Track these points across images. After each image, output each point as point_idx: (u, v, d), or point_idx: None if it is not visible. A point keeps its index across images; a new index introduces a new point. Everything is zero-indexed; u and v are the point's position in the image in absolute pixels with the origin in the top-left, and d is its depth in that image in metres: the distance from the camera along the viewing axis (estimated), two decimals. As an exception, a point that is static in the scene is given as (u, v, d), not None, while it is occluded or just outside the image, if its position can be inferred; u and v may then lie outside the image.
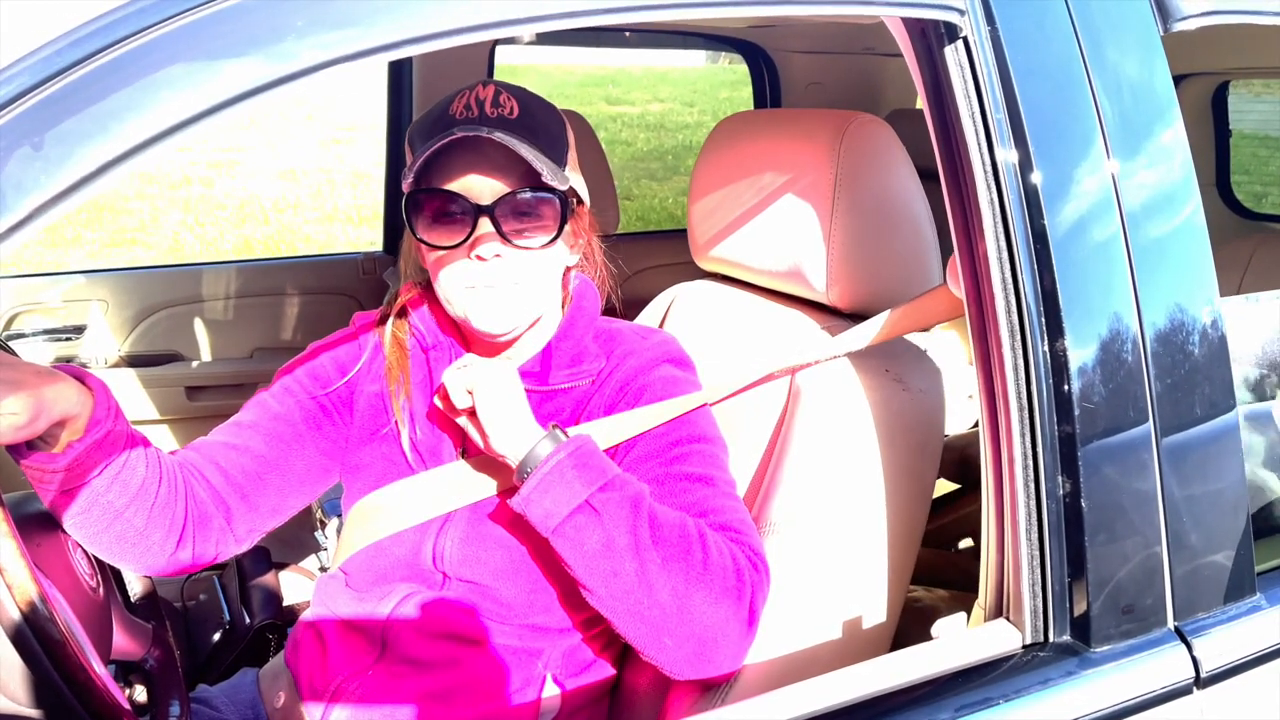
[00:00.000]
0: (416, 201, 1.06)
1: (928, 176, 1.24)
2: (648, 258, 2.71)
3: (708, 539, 0.99)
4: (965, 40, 0.88)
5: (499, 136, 1.01)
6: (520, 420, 1.03)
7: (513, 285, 1.07)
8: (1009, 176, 0.89)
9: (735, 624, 0.97)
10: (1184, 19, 0.98)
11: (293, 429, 1.15)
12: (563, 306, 1.20)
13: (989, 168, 0.90)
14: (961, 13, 0.87)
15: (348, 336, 1.23)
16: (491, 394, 1.02)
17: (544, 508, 0.98)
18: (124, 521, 1.00)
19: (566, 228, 1.09)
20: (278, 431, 1.15)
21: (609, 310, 1.24)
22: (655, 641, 0.97)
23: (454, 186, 1.05)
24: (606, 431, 1.09)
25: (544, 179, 1.03)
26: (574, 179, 1.11)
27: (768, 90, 3.08)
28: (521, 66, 10.58)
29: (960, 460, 2.18)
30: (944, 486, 2.31)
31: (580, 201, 1.15)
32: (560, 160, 1.08)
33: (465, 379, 1.03)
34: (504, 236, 1.05)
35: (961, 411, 2.51)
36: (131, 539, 1.02)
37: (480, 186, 1.04)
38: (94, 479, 0.95)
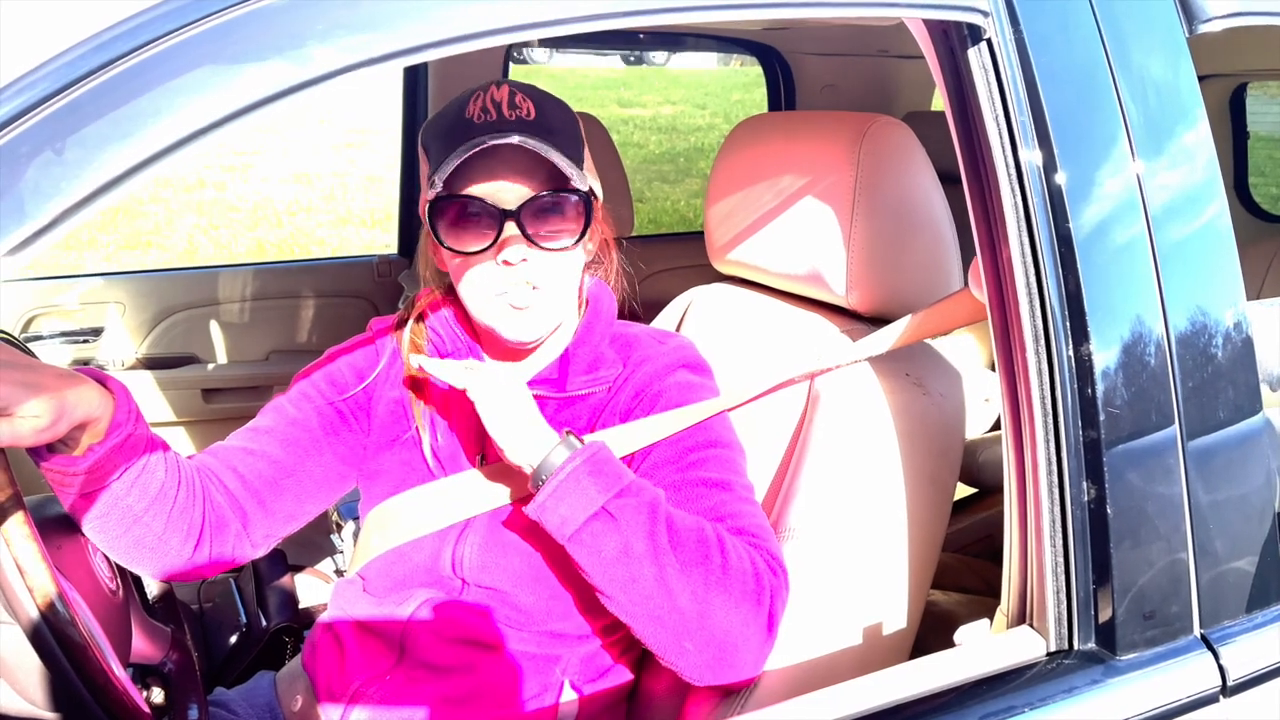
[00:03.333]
0: (440, 208, 1.05)
1: (943, 179, 1.23)
2: (660, 260, 2.70)
3: (726, 543, 0.98)
4: (989, 42, 0.88)
5: (528, 142, 1.00)
6: (530, 428, 1.02)
7: (537, 290, 1.07)
8: (1033, 179, 0.89)
9: (755, 628, 0.96)
10: (1209, 20, 0.97)
11: (310, 434, 1.15)
12: (579, 310, 1.19)
13: (1013, 170, 0.89)
14: (985, 14, 0.87)
15: (365, 341, 1.23)
16: (495, 403, 1.02)
17: (560, 515, 0.97)
18: (142, 525, 1.00)
19: (591, 227, 1.09)
20: (295, 437, 1.15)
21: (624, 314, 1.24)
22: (675, 646, 0.97)
23: (477, 191, 1.04)
24: (623, 439, 1.09)
25: (571, 182, 1.03)
26: (590, 178, 1.10)
27: (782, 93, 3.07)
28: (534, 69, 10.60)
29: (976, 464, 2.17)
30: (960, 490, 2.30)
31: (597, 200, 1.15)
32: (579, 160, 1.07)
33: (468, 381, 1.04)
34: (530, 240, 1.04)
35: (977, 415, 2.50)
36: (149, 543, 1.02)
37: (504, 191, 1.04)
38: (114, 482, 0.95)
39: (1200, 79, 0.97)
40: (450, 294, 1.15)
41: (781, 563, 1.02)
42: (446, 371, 1.05)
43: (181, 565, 1.06)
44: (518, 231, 1.03)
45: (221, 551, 1.09)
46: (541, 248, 1.05)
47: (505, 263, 1.04)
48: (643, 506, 0.97)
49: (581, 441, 1.01)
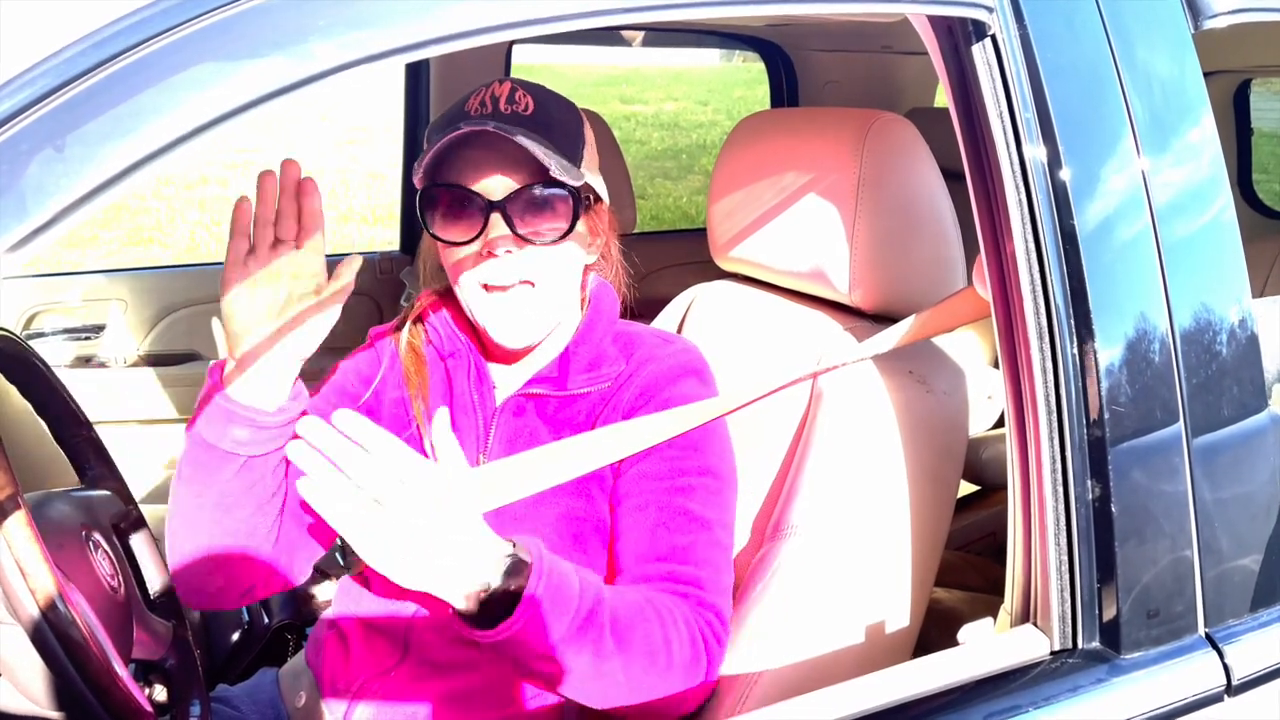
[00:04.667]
0: (430, 197, 1.06)
1: (947, 175, 1.23)
2: (662, 258, 2.70)
3: (668, 626, 0.94)
4: (994, 38, 0.87)
5: (506, 130, 1.00)
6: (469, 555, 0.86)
7: (526, 287, 1.06)
8: (1037, 175, 0.88)
9: (693, 688, 0.97)
10: (1214, 16, 0.97)
11: None
12: (581, 308, 1.19)
13: (1017, 167, 0.88)
14: (990, 10, 0.86)
15: (365, 349, 1.22)
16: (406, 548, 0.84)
17: (516, 653, 0.88)
18: (263, 513, 1.04)
19: (581, 224, 1.08)
20: None
21: (625, 312, 1.23)
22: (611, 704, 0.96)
23: (466, 182, 1.04)
24: (622, 440, 1.08)
25: (552, 174, 1.02)
26: (591, 177, 1.10)
27: (785, 89, 3.06)
28: (537, 66, 10.58)
29: (979, 461, 2.17)
30: (962, 488, 2.29)
31: (598, 199, 1.14)
32: (575, 157, 1.07)
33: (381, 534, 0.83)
34: (515, 232, 1.04)
35: (980, 412, 2.50)
36: (243, 536, 1.04)
37: (492, 182, 1.04)
38: (272, 455, 1.01)
39: (1204, 75, 0.97)
40: (449, 294, 1.14)
41: (723, 618, 1.01)
42: (347, 525, 0.83)
43: (254, 577, 1.07)
44: (504, 223, 1.03)
45: (280, 567, 1.09)
46: (527, 240, 1.04)
47: (490, 254, 1.04)
48: (593, 626, 0.89)
49: (521, 550, 0.88)
